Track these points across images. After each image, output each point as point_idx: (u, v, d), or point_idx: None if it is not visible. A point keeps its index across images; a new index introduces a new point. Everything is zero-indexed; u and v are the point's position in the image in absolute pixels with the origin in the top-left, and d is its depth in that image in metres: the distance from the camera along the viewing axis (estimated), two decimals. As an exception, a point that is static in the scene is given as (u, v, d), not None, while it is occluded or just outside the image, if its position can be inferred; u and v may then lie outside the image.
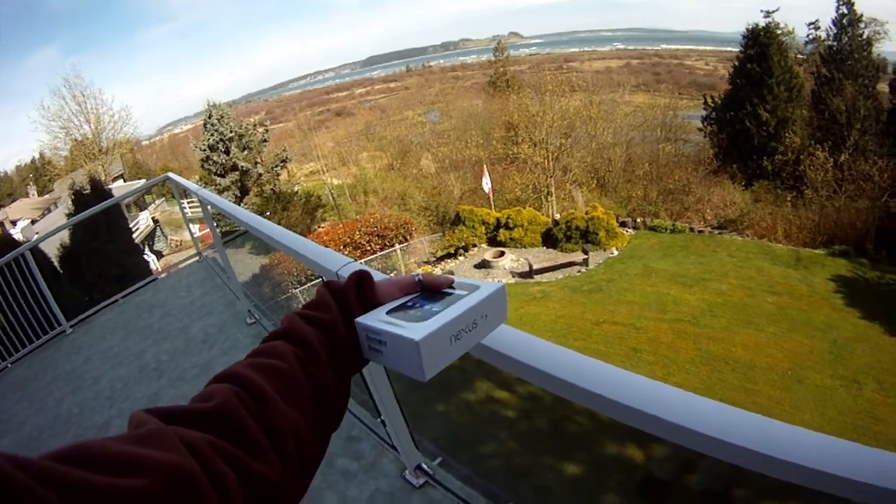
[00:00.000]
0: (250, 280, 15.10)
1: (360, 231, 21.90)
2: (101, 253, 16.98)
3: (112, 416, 4.23)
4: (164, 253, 32.25)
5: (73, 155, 39.12)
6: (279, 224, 2.61)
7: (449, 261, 23.43)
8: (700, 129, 30.00)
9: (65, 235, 17.64)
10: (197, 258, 7.06)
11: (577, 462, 8.50)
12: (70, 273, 16.83)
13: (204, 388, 0.63)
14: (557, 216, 24.28)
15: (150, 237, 32.20)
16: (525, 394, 9.49)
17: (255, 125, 29.40)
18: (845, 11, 25.55)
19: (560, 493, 7.84)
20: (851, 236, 20.19)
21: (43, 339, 5.92)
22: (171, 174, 5.80)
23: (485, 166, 26.91)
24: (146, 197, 35.80)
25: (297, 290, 17.61)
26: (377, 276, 1.00)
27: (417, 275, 0.88)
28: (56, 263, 16.82)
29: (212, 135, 27.22)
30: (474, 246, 24.07)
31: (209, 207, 4.29)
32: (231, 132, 27.36)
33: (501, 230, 23.87)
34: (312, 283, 17.17)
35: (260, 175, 28.19)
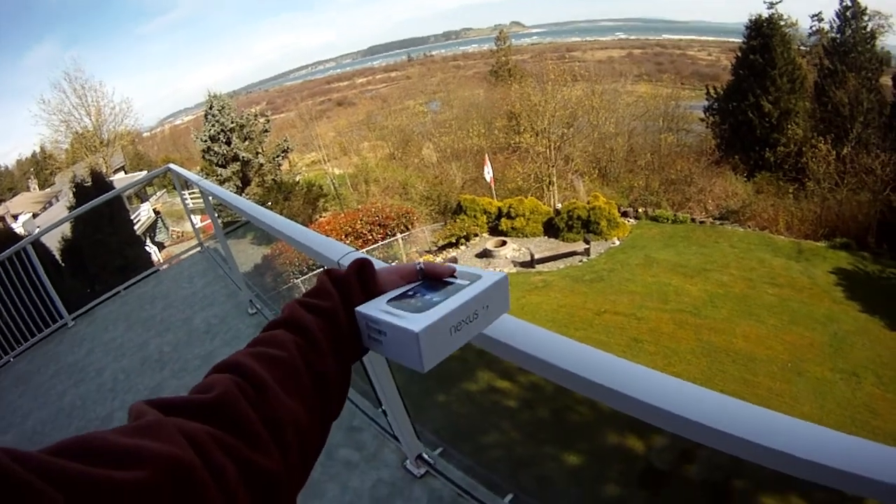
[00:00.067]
0: (252, 270, 15.12)
1: (361, 220, 21.88)
2: (103, 245, 17.00)
3: (115, 409, 4.24)
4: (165, 244, 32.29)
5: (74, 148, 39.07)
6: (280, 214, 2.61)
7: (450, 250, 23.41)
8: (702, 120, 29.92)
9: (66, 228, 17.67)
10: (198, 249, 7.05)
11: (578, 452, 8.52)
12: (72, 266, 16.87)
13: (204, 379, 0.63)
14: (559, 206, 24.24)
15: (151, 228, 32.24)
16: (526, 383, 9.50)
17: (256, 115, 29.38)
18: (849, 4, 25.48)
19: (561, 482, 7.86)
20: (853, 229, 20.17)
21: (45, 333, 5.92)
22: (172, 165, 5.78)
23: (486, 156, 26.87)
24: (147, 188, 35.83)
25: (299, 279, 17.62)
26: (378, 264, 0.99)
27: (419, 263, 0.88)
28: (58, 256, 16.85)
29: (213, 125, 27.19)
30: (476, 235, 24.07)
31: (210, 198, 4.28)
32: (232, 123, 27.34)
33: (503, 219, 23.86)
34: (314, 272, 17.16)
35: (261, 165, 28.19)
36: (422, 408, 6.95)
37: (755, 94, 25.69)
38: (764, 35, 25.75)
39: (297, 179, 29.45)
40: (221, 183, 26.12)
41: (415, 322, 0.71)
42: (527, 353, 1.02)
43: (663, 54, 62.74)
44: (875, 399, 12.23)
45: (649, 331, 15.37)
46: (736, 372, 13.32)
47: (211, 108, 27.41)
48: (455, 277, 0.85)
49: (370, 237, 21.67)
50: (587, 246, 21.15)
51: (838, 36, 25.89)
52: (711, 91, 29.03)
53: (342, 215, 23.60)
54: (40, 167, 50.27)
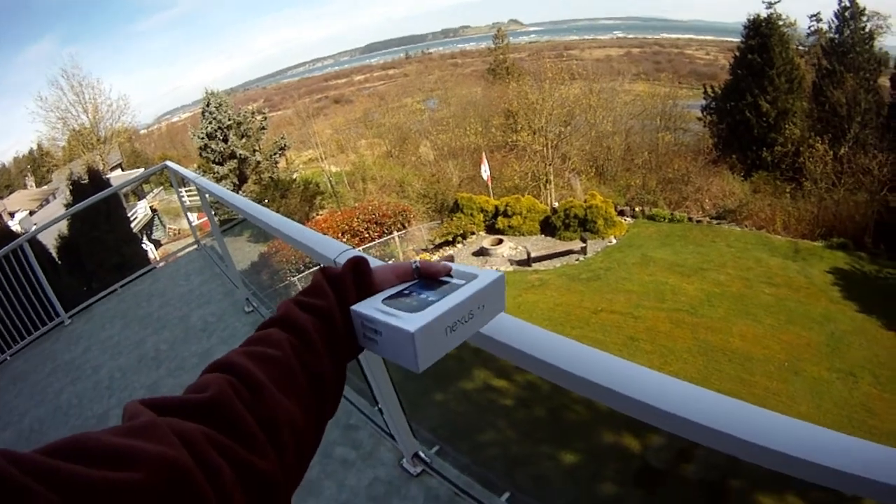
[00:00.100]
0: (249, 268, 15.13)
1: (358, 218, 21.88)
2: (100, 242, 16.99)
3: (111, 407, 4.24)
4: (162, 242, 32.24)
5: (71, 145, 38.94)
6: (277, 212, 2.61)
7: (447, 248, 23.42)
8: (700, 119, 29.94)
9: (63, 226, 17.66)
10: (195, 247, 7.05)
11: (574, 451, 8.54)
12: (68, 263, 16.85)
13: (198, 378, 0.62)
14: (556, 204, 24.28)
15: (148, 226, 32.18)
16: (523, 382, 9.52)
17: (253, 113, 29.34)
18: (847, 4, 25.47)
19: (558, 481, 7.88)
20: (850, 229, 20.20)
21: (42, 331, 5.91)
22: (169, 163, 5.78)
23: (483, 154, 26.84)
24: (144, 186, 35.75)
25: (296, 277, 17.63)
26: (374, 262, 0.99)
27: (415, 262, 0.87)
28: (54, 254, 16.83)
29: (210, 123, 27.15)
30: (472, 233, 24.08)
31: (207, 196, 4.27)
32: (229, 120, 27.30)
33: (500, 218, 23.87)
34: (311, 270, 17.17)
35: (258, 163, 28.14)
36: (418, 406, 6.96)
37: (753, 93, 25.72)
38: (762, 35, 25.76)
39: (293, 177, 29.48)
40: (218, 180, 26.07)
41: (410, 322, 0.71)
42: (523, 351, 1.02)
43: (661, 53, 62.76)
44: (872, 399, 12.26)
45: (646, 330, 15.39)
46: (732, 371, 13.35)
47: (208, 106, 27.36)
48: (451, 276, 0.85)
49: (367, 235, 21.67)
50: (584, 244, 21.16)
51: (837, 36, 25.90)
52: (709, 90, 29.06)
53: (339, 213, 23.60)
54: (37, 164, 50.12)
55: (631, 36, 77.01)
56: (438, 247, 23.62)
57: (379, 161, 35.86)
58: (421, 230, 24.22)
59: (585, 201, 22.89)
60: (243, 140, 27.73)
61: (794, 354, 13.75)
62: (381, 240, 21.89)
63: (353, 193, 30.93)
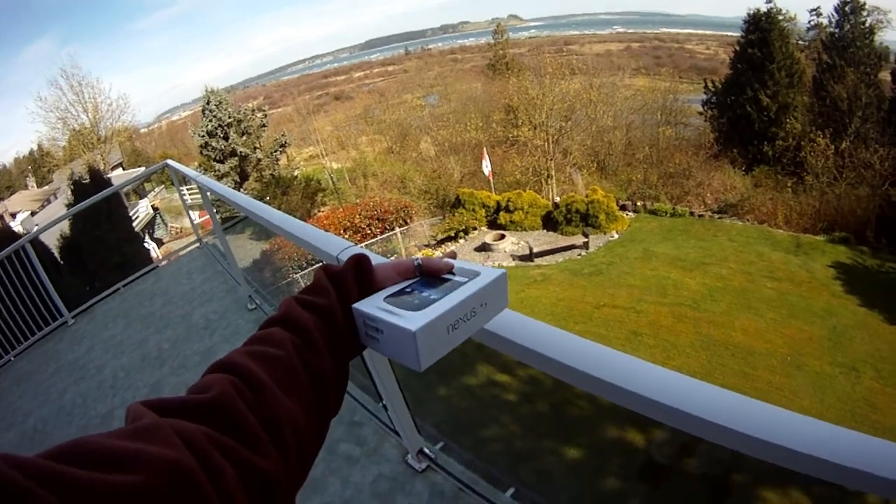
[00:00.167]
0: (251, 266, 15.14)
1: (359, 215, 21.84)
2: (102, 242, 16.99)
3: (115, 406, 4.24)
4: (164, 240, 32.24)
5: (72, 145, 38.95)
6: (279, 209, 2.61)
7: (449, 244, 23.41)
8: (700, 114, 29.90)
9: (65, 226, 17.66)
10: (197, 245, 7.05)
11: (578, 446, 8.54)
12: (71, 263, 16.85)
13: (201, 379, 0.63)
14: (558, 199, 24.24)
15: (150, 225, 32.19)
16: (526, 377, 9.51)
17: (253, 110, 29.31)
18: (847, -1, 25.42)
19: (561, 476, 7.89)
20: (852, 223, 20.16)
21: (45, 331, 5.93)
22: (169, 161, 5.78)
23: (484, 149, 26.80)
24: (145, 185, 35.73)
25: (298, 274, 17.62)
26: (376, 259, 0.99)
27: (417, 259, 0.87)
28: (56, 254, 16.84)
29: (210, 121, 27.13)
30: (474, 229, 24.06)
31: (209, 194, 4.27)
32: (229, 118, 27.28)
33: (502, 213, 23.83)
34: (313, 267, 17.16)
35: (259, 160, 28.14)
36: (422, 402, 6.96)
37: (753, 88, 25.66)
38: (762, 29, 25.68)
39: (295, 174, 29.47)
40: (219, 178, 26.08)
41: (412, 321, 0.71)
42: (526, 347, 1.02)
43: (661, 48, 62.68)
44: (874, 393, 12.24)
45: (648, 324, 15.38)
46: (735, 366, 13.33)
47: (208, 104, 27.35)
48: (453, 274, 0.85)
49: (369, 231, 21.64)
50: (586, 239, 21.13)
51: (837, 31, 25.82)
52: (710, 85, 28.99)
53: (340, 210, 23.56)
54: (38, 165, 50.16)
55: (631, 31, 76.87)
56: (440, 242, 23.60)
57: (380, 157, 35.87)
58: (423, 226, 24.21)
59: (587, 196, 22.85)
60: (244, 138, 27.72)
61: (796, 349, 13.73)
62: (382, 236, 21.87)
63: (355, 190, 30.92)
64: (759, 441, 0.77)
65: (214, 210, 4.80)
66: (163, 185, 37.64)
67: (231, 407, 0.57)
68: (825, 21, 28.20)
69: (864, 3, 25.11)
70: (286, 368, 0.66)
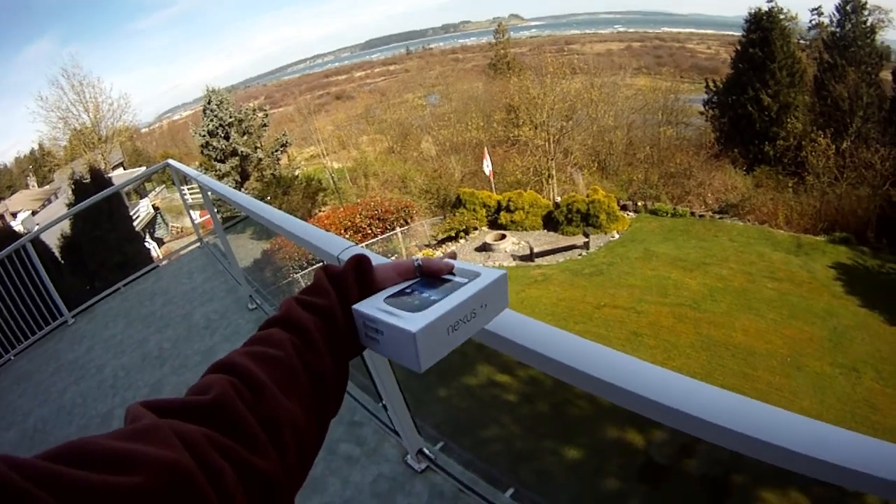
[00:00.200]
0: (252, 265, 15.13)
1: (360, 214, 21.84)
2: (103, 241, 16.99)
3: (115, 406, 4.25)
4: (165, 240, 32.27)
5: (73, 144, 38.99)
6: (280, 209, 2.61)
7: (450, 244, 23.42)
8: (701, 113, 29.90)
9: (65, 225, 17.66)
10: (198, 244, 7.06)
11: (578, 446, 8.54)
12: (71, 263, 16.85)
13: (200, 379, 0.63)
14: (558, 199, 24.24)
15: (150, 224, 32.22)
16: (526, 378, 9.51)
17: (254, 110, 29.33)
18: (849, -2, 25.41)
19: (561, 477, 7.89)
20: (852, 224, 20.14)
21: (45, 330, 5.93)
22: (170, 161, 5.78)
23: (485, 149, 26.83)
24: (146, 184, 35.75)
25: (299, 274, 17.62)
26: (377, 259, 0.99)
27: (417, 259, 0.87)
28: (57, 254, 16.85)
29: (211, 120, 27.15)
30: (475, 229, 24.06)
31: (209, 193, 4.27)
32: (230, 117, 27.30)
33: (502, 213, 23.83)
34: (314, 267, 17.15)
35: (260, 160, 28.15)
36: (422, 402, 6.97)
37: (754, 87, 25.66)
38: (763, 28, 25.67)
39: (295, 174, 29.46)
40: (220, 178, 26.10)
41: (412, 322, 0.71)
42: (526, 347, 1.02)
43: (662, 47, 62.67)
44: (875, 394, 12.23)
45: (649, 324, 15.37)
46: (735, 366, 13.33)
47: (209, 103, 27.36)
48: (453, 274, 0.85)
49: (369, 231, 21.64)
50: (586, 239, 21.13)
51: (838, 30, 25.82)
52: (711, 84, 28.99)
53: (341, 209, 23.56)
54: (39, 164, 50.15)
55: (632, 30, 76.79)
56: (441, 242, 23.61)
57: (381, 157, 35.88)
58: (423, 226, 24.21)
59: (588, 196, 22.85)
60: (245, 137, 27.74)
61: (796, 349, 13.73)
62: (383, 236, 21.87)
63: (356, 189, 30.94)
64: (758, 442, 0.77)
65: (215, 210, 4.79)
66: (164, 185, 37.66)
67: (230, 408, 0.57)
68: (826, 20, 28.20)
69: (866, 3, 25.11)
70: (286, 369, 0.66)
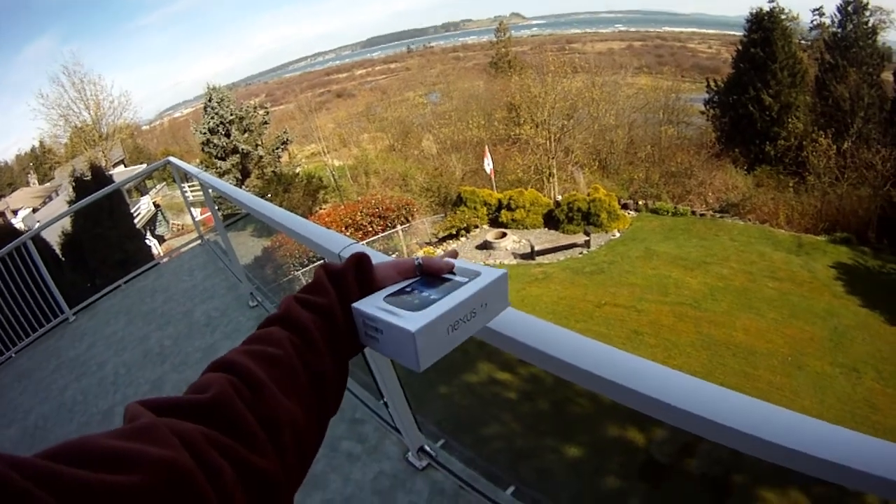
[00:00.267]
0: (252, 263, 15.09)
1: (361, 212, 21.83)
2: (104, 239, 17.00)
3: (116, 403, 4.25)
4: (165, 237, 32.28)
5: (74, 142, 39.04)
6: (280, 206, 2.61)
7: (451, 242, 23.40)
8: (702, 113, 29.83)
9: (66, 222, 17.67)
10: (199, 242, 7.05)
11: (578, 444, 8.54)
12: (72, 260, 16.87)
13: (199, 378, 0.63)
14: (559, 198, 24.22)
15: (151, 222, 32.23)
16: (527, 375, 9.50)
17: (255, 107, 29.30)
18: (850, -1, 25.36)
19: (562, 474, 7.88)
20: (853, 224, 20.13)
21: (46, 328, 5.93)
22: (171, 158, 5.78)
23: (486, 147, 26.82)
24: (147, 182, 35.75)
25: (300, 271, 17.61)
26: (377, 257, 0.99)
27: (417, 258, 0.87)
28: (58, 251, 16.86)
29: (212, 118, 27.15)
30: (476, 227, 24.05)
31: (210, 191, 4.28)
32: (231, 115, 27.29)
33: (503, 211, 23.82)
34: (315, 264, 17.12)
35: (261, 157, 28.15)
36: (423, 400, 6.96)
37: (756, 87, 25.60)
38: (765, 28, 25.62)
39: (296, 171, 29.44)
40: (221, 175, 26.10)
41: (412, 321, 0.71)
42: (527, 344, 1.02)
43: (664, 47, 62.52)
44: (875, 394, 12.23)
45: (649, 323, 15.37)
46: (736, 365, 13.33)
47: (210, 101, 27.35)
48: (454, 274, 0.85)
49: (370, 229, 21.63)
50: (587, 238, 21.12)
51: (839, 31, 25.77)
52: (712, 84, 28.93)
53: (342, 207, 23.55)
54: (39, 162, 50.10)
55: (633, 29, 76.63)
56: (442, 240, 23.61)
57: (382, 155, 35.83)
58: (424, 224, 24.21)
59: (589, 195, 22.83)
60: (246, 135, 27.73)
61: (797, 349, 13.73)
62: (384, 234, 21.87)
63: (356, 187, 30.93)
64: (759, 440, 0.77)
65: (216, 207, 4.78)
66: (164, 182, 37.64)
67: (229, 406, 0.57)
68: (828, 21, 28.15)
69: (867, 3, 25.05)
70: (285, 368, 0.66)
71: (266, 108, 30.57)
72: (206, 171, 4.96)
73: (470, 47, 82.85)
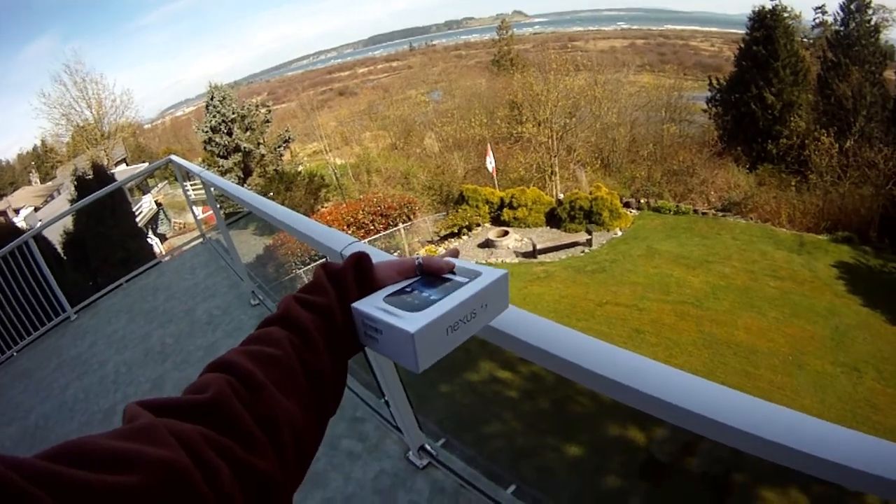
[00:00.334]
0: (254, 261, 15.11)
1: (363, 211, 21.84)
2: (105, 237, 17.02)
3: (117, 401, 4.25)
4: (167, 236, 32.30)
5: (75, 141, 39.09)
6: (282, 204, 2.61)
7: (452, 240, 23.38)
8: (705, 111, 29.81)
9: (68, 221, 17.69)
10: (200, 240, 7.05)
11: (579, 443, 8.54)
12: (74, 259, 16.89)
13: (198, 378, 0.63)
14: (561, 196, 24.21)
15: (153, 220, 32.26)
16: (527, 374, 9.51)
17: (257, 106, 29.35)
18: (853, -3, 25.30)
19: (562, 473, 7.88)
20: (855, 223, 20.08)
21: (48, 326, 5.94)
22: (173, 157, 5.78)
23: (488, 145, 26.78)
24: (149, 180, 35.80)
25: (301, 270, 17.62)
26: (378, 256, 0.99)
27: (418, 258, 0.87)
28: (60, 250, 16.87)
29: (214, 116, 27.17)
30: (478, 225, 24.03)
31: (212, 189, 4.27)
32: (233, 113, 27.31)
33: (505, 210, 23.81)
34: (316, 262, 17.13)
35: (263, 156, 28.18)
36: (424, 399, 6.97)
37: (758, 85, 25.56)
38: (767, 26, 25.58)
39: (298, 170, 29.44)
40: (223, 174, 26.14)
41: (411, 322, 0.71)
42: (529, 343, 1.02)
43: (666, 45, 62.48)
44: (876, 394, 12.22)
45: (651, 322, 15.37)
46: (737, 364, 13.32)
47: (212, 99, 27.38)
48: (454, 274, 0.85)
49: (372, 227, 21.64)
50: (589, 236, 21.11)
51: (842, 29, 25.68)
52: (714, 82, 28.87)
53: (344, 205, 23.59)
54: (41, 161, 50.18)
55: (635, 27, 76.72)
56: (444, 238, 23.60)
57: (384, 153, 35.87)
58: (426, 222, 24.22)
59: (591, 193, 22.81)
60: (247, 133, 27.75)
61: (798, 348, 13.72)
62: (386, 232, 21.88)
63: (358, 186, 30.96)
64: (759, 439, 0.77)
65: (218, 205, 4.79)
66: (166, 181, 37.69)
67: (227, 407, 0.57)
68: (830, 19, 28.09)
69: (870, 1, 24.98)
70: (284, 368, 0.66)
71: (268, 106, 30.63)
72: (207, 169, 4.95)
73: (472, 45, 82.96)
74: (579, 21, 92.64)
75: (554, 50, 37.13)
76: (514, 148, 29.60)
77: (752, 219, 21.73)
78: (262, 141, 28.28)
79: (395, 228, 22.09)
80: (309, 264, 17.66)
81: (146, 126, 61.61)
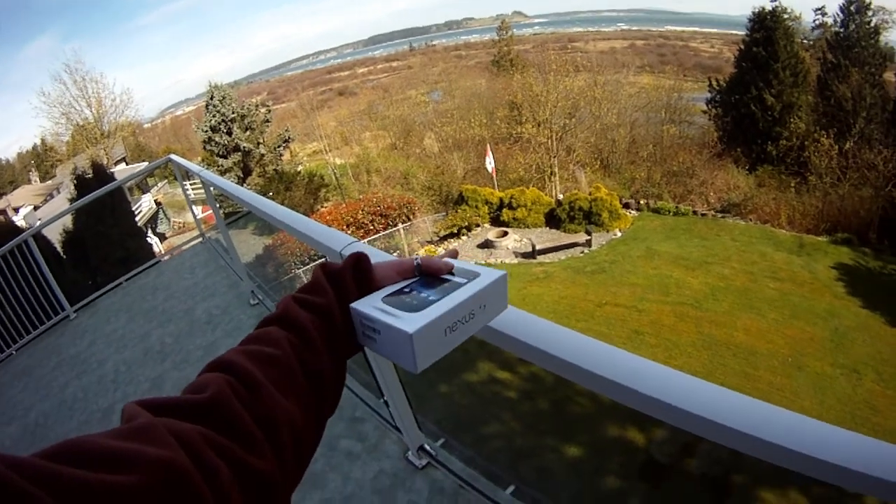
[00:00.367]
0: (254, 261, 15.11)
1: (363, 211, 21.83)
2: (105, 236, 17.01)
3: (116, 400, 4.25)
4: (167, 235, 32.29)
5: (75, 140, 39.13)
6: (282, 204, 2.61)
7: (452, 240, 23.38)
8: (704, 112, 29.83)
9: (68, 220, 17.67)
10: (200, 240, 7.04)
11: (578, 444, 8.54)
12: (73, 258, 16.87)
13: (197, 378, 0.63)
14: (561, 197, 24.22)
15: (152, 219, 32.26)
16: (527, 374, 9.51)
17: (257, 106, 29.33)
18: (853, -2, 25.32)
19: (562, 474, 7.88)
20: (854, 225, 20.09)
21: (47, 325, 5.94)
22: (173, 156, 5.77)
23: (488, 146, 26.79)
24: (148, 179, 35.79)
25: (301, 269, 17.62)
26: (377, 256, 0.99)
27: (417, 258, 0.87)
28: (59, 248, 16.86)
29: (214, 116, 27.16)
30: (477, 226, 24.04)
31: (212, 189, 4.27)
32: (233, 113, 27.30)
33: (504, 210, 23.81)
34: (316, 262, 17.13)
35: (262, 155, 28.16)
36: (424, 399, 6.96)
37: (758, 86, 25.58)
38: (767, 28, 25.60)
39: (298, 169, 29.41)
40: (223, 173, 26.13)
41: (409, 322, 0.71)
42: (528, 343, 1.02)
43: (666, 46, 62.56)
44: (875, 396, 12.23)
45: (650, 323, 15.37)
46: (737, 365, 13.33)
47: (212, 99, 27.37)
48: (453, 274, 0.85)
49: (372, 227, 21.63)
50: (589, 237, 21.11)
51: (842, 30, 25.72)
52: (714, 83, 28.90)
53: (344, 205, 23.57)
54: (41, 160, 50.18)
55: (635, 28, 76.79)
56: (443, 239, 23.60)
57: (383, 153, 35.86)
58: (426, 222, 24.22)
59: (590, 194, 22.83)
60: (247, 133, 27.74)
61: (797, 349, 13.72)
62: (385, 232, 21.87)
63: (358, 186, 30.95)
64: (759, 440, 0.77)
65: (217, 205, 4.78)
66: (166, 180, 37.69)
67: (226, 406, 0.57)
68: (830, 20, 28.16)
69: (870, 3, 25.01)
70: (283, 368, 0.66)
71: (268, 106, 30.60)
72: (207, 168, 4.95)
73: (472, 46, 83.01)
74: (579, 22, 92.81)
75: (554, 50, 37.28)
76: (514, 148, 29.59)
77: (751, 220, 21.74)
78: (261, 140, 28.27)
79: (394, 228, 22.09)
80: (308, 264, 17.66)
81: (146, 125, 61.64)
